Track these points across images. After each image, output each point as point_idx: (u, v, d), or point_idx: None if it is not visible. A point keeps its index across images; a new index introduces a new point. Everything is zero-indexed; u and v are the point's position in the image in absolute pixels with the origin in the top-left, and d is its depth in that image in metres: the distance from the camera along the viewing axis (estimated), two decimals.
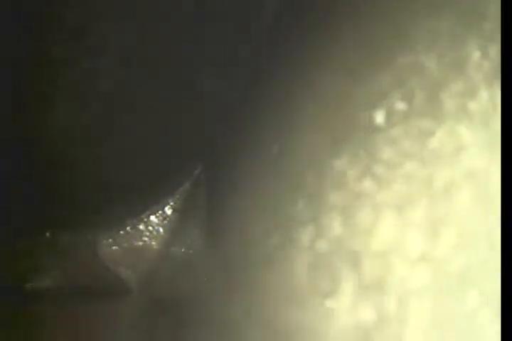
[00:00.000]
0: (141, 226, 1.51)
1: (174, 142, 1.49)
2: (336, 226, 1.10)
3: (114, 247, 1.50)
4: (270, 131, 1.35)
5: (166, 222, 1.51)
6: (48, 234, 1.49)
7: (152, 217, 1.51)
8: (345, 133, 1.14)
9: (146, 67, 1.44)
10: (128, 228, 1.50)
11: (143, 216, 1.51)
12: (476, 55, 0.92)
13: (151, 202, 1.52)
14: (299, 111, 1.27)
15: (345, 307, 1.01)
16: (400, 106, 1.04)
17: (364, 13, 1.09)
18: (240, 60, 1.43)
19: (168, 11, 1.38)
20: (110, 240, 1.49)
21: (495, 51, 0.86)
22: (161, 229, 1.51)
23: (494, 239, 0.77)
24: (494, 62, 0.87)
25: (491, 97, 0.86)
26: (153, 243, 1.50)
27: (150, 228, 1.51)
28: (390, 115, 1.05)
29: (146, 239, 1.50)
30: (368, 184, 1.06)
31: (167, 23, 1.41)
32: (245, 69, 1.43)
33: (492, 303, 0.76)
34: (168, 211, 1.52)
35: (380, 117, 1.06)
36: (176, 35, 1.41)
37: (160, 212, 1.52)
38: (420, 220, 0.95)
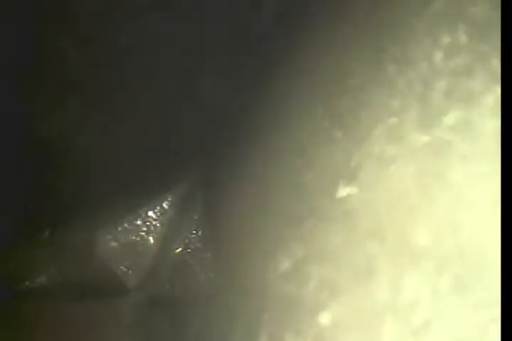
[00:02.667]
0: (139, 222, 1.50)
1: (174, 140, 1.49)
2: (337, 223, 1.11)
3: (112, 244, 1.49)
4: (270, 130, 1.35)
5: (163, 217, 1.50)
6: (46, 233, 1.49)
7: (150, 213, 1.51)
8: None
9: (147, 67, 1.44)
10: (126, 224, 1.50)
11: (141, 211, 1.51)
12: None
13: (149, 198, 1.52)
14: (298, 110, 1.28)
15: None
16: None
17: (365, 13, 1.09)
18: (240, 62, 1.43)
19: (168, 11, 1.38)
20: (108, 237, 1.49)
21: None
22: (159, 225, 1.51)
23: None
24: None
25: None
26: (151, 238, 1.50)
27: (148, 223, 1.50)
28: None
29: (144, 234, 1.50)
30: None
31: (167, 23, 1.41)
32: (244, 69, 1.43)
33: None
34: (166, 206, 1.52)
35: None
36: (176, 35, 1.41)
37: (158, 207, 1.51)
38: None
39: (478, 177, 0.83)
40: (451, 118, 0.89)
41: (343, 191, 1.09)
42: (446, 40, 0.93)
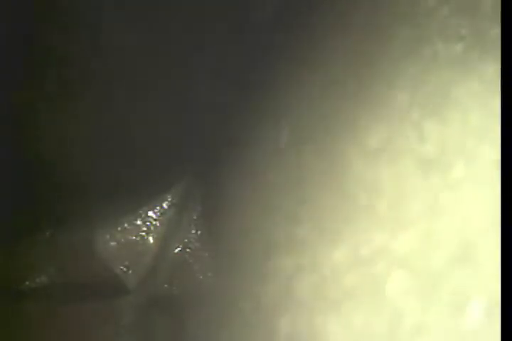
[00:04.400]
0: (139, 222, 1.50)
1: (173, 139, 1.50)
2: (333, 218, 1.11)
3: (111, 243, 1.49)
4: (270, 129, 1.35)
5: (163, 217, 1.51)
6: (46, 233, 1.49)
7: (150, 213, 1.51)
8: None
9: (146, 67, 1.44)
10: (125, 224, 1.50)
11: (141, 211, 1.51)
12: None
13: (149, 197, 1.52)
14: (297, 110, 1.28)
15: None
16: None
17: (364, 12, 1.09)
18: (240, 61, 1.44)
19: (168, 11, 1.38)
20: (108, 236, 1.49)
21: None
22: (158, 225, 1.51)
23: None
24: None
25: None
26: (151, 238, 1.50)
27: (148, 223, 1.51)
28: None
29: (144, 234, 1.50)
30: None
31: (167, 23, 1.41)
32: (244, 69, 1.43)
33: None
34: (166, 206, 1.52)
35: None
36: (175, 36, 1.41)
37: (158, 207, 1.51)
38: None
39: None
40: None
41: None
42: None
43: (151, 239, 1.50)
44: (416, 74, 0.94)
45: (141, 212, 1.50)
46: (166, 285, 1.50)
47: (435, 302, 0.79)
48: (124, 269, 1.48)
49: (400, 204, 0.92)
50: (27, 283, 1.48)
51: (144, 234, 1.50)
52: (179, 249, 1.51)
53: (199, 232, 1.52)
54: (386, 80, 1.01)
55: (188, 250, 1.51)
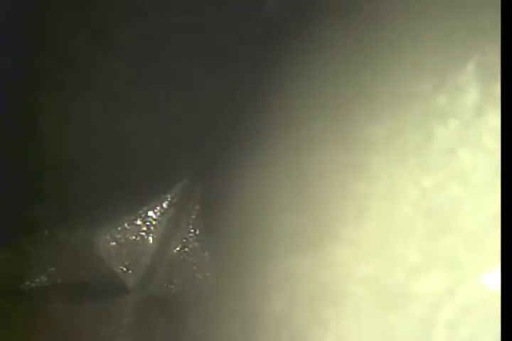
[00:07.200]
0: (139, 222, 1.51)
1: (173, 140, 1.50)
2: (333, 217, 1.11)
3: (111, 243, 1.49)
4: (270, 130, 1.35)
5: (163, 217, 1.51)
6: (46, 233, 1.49)
7: (150, 213, 1.51)
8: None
9: (146, 67, 1.44)
10: (125, 224, 1.50)
11: (141, 211, 1.51)
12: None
13: (149, 197, 1.52)
14: (298, 111, 1.28)
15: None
16: None
17: (364, 13, 1.09)
18: (240, 61, 1.44)
19: (167, 11, 1.39)
20: (108, 236, 1.49)
21: None
22: (158, 224, 1.51)
23: None
24: None
25: None
26: (151, 238, 1.50)
27: (148, 223, 1.51)
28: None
29: (144, 234, 1.50)
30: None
31: (166, 22, 1.41)
32: (244, 69, 1.43)
33: None
34: (166, 206, 1.52)
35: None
36: (175, 34, 1.41)
37: (158, 207, 1.52)
38: None
39: None
40: None
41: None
42: None
43: (150, 239, 1.50)
44: None
45: (141, 212, 1.50)
46: (165, 285, 1.50)
47: None
48: (124, 269, 1.48)
49: None
50: (27, 282, 1.48)
51: (143, 234, 1.50)
52: (179, 248, 1.51)
53: (198, 232, 1.52)
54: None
55: (187, 250, 1.51)
